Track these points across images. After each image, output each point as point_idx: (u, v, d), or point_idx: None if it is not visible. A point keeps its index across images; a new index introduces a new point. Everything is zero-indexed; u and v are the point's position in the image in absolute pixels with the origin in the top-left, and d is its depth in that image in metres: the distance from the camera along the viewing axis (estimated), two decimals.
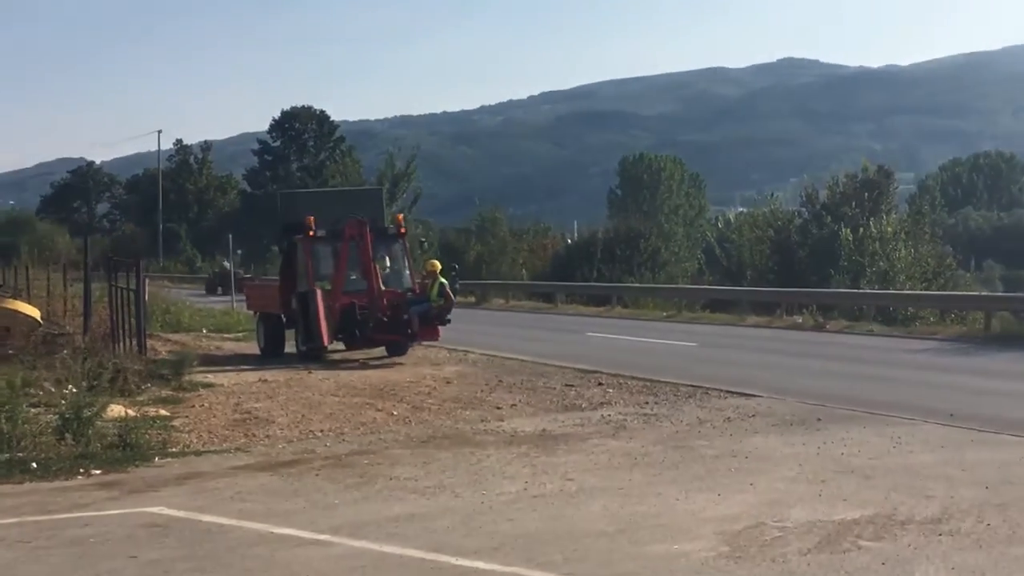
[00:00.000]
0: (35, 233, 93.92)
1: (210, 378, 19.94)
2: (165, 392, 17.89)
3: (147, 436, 13.12)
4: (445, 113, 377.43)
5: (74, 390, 17.23)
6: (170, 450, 12.83)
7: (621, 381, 19.03)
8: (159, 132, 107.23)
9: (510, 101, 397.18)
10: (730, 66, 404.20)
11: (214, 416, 15.49)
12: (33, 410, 14.24)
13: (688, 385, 18.24)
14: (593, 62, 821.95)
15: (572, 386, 18.56)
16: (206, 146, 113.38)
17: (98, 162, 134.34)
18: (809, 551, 8.36)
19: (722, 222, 69.97)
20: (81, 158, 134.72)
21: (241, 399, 17.25)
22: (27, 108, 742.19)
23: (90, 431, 12.81)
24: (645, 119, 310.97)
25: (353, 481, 11.09)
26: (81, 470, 11.54)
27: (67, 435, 12.44)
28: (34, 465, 11.52)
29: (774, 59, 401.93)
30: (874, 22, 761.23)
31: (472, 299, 47.28)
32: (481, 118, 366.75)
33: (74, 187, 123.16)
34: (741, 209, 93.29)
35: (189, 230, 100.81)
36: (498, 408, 16.16)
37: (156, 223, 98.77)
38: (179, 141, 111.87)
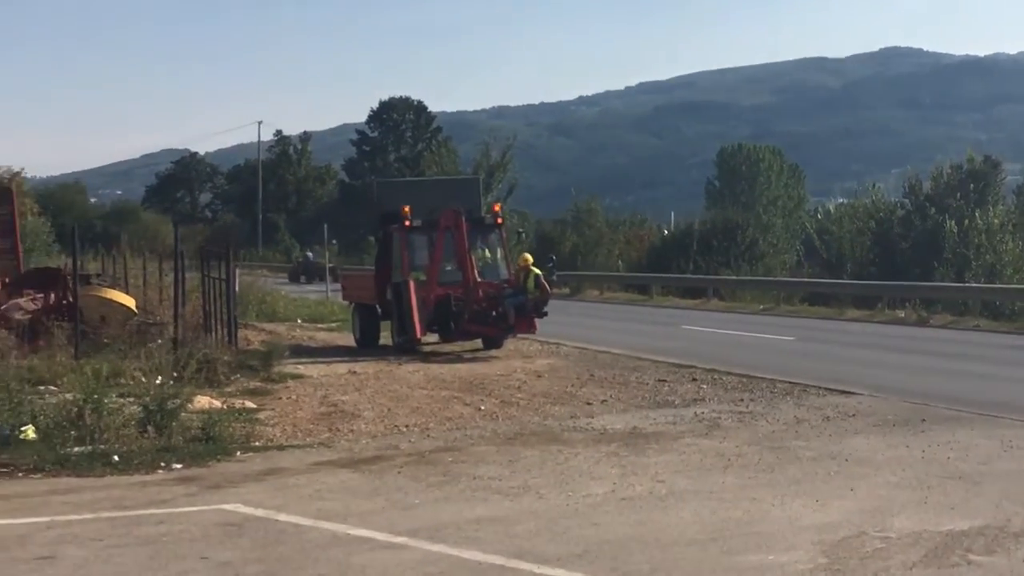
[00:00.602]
0: (139, 223, 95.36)
1: (300, 369, 19.77)
2: (253, 383, 17.72)
3: (231, 429, 12.89)
4: (543, 104, 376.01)
5: (162, 380, 17.24)
6: (253, 444, 12.59)
7: (716, 377, 18.52)
8: (259, 123, 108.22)
9: (608, 92, 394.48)
10: (830, 55, 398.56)
11: (300, 409, 15.26)
12: (121, 400, 14.09)
13: (785, 382, 17.69)
14: (691, 52, 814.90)
15: (665, 381, 18.09)
16: (305, 137, 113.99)
17: (201, 153, 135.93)
18: (914, 565, 7.81)
19: (822, 213, 68.59)
20: (185, 149, 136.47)
21: (329, 391, 17.03)
22: (134, 99, 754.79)
23: (174, 423, 12.63)
24: (743, 109, 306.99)
25: (435, 480, 10.73)
26: (162, 464, 11.34)
27: (149, 427, 12.25)
28: (116, 458, 11.34)
29: (875, 48, 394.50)
30: (980, 9, 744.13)
31: (567, 291, 46.85)
32: (578, 109, 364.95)
33: (177, 177, 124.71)
34: (840, 200, 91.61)
35: (288, 220, 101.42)
36: (588, 404, 15.73)
37: (256, 213, 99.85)
38: (279, 132, 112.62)
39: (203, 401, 15.34)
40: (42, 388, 16.28)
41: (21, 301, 24.16)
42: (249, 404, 15.49)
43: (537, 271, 23.01)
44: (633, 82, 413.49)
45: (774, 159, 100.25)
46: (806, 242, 64.30)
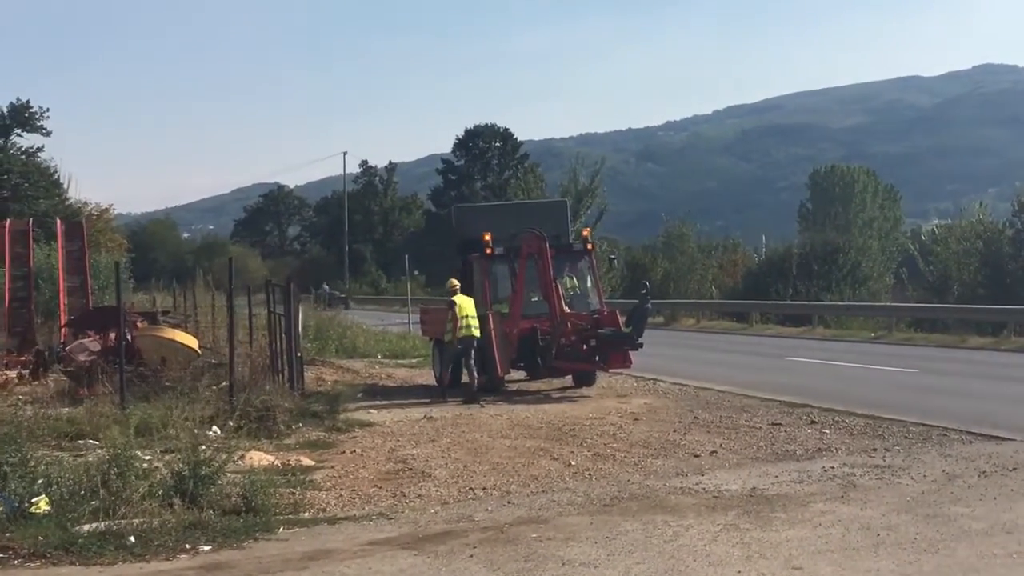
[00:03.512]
0: (227, 256, 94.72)
1: (371, 415, 17.95)
2: (316, 433, 15.86)
3: (277, 496, 10.92)
4: (630, 130, 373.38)
5: (218, 432, 15.42)
6: (301, 516, 10.58)
7: (837, 418, 16.30)
8: (344, 154, 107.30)
9: (695, 116, 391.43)
10: (922, 74, 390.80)
11: (363, 467, 13.27)
12: (167, 457, 12.22)
13: (919, 424, 15.42)
14: (779, 75, 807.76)
15: (780, 425, 15.89)
16: (391, 167, 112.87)
17: (291, 186, 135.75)
18: None
19: (925, 234, 65.64)
20: (275, 183, 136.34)
21: (399, 443, 15.05)
22: (228, 135, 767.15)
23: (212, 490, 10.69)
24: (833, 131, 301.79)
25: (516, 566, 8.61)
26: (187, 545, 9.34)
27: (176, 499, 10.29)
28: (131, 540, 9.36)
29: (969, 66, 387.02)
30: None
31: (661, 319, 44.47)
32: (666, 134, 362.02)
33: (266, 211, 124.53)
34: (936, 221, 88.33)
35: (374, 250, 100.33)
36: (695, 456, 13.53)
37: (342, 244, 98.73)
38: (364, 163, 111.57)
39: (256, 457, 13.52)
40: (81, 442, 14.58)
41: (87, 341, 22.71)
42: (306, 460, 13.56)
43: (463, 300, 20.54)
44: (721, 106, 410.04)
45: (868, 180, 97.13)
46: (908, 263, 61.42)
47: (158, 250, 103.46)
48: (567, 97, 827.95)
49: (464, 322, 20.39)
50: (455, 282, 21.46)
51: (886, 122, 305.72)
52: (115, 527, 9.63)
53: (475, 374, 20.12)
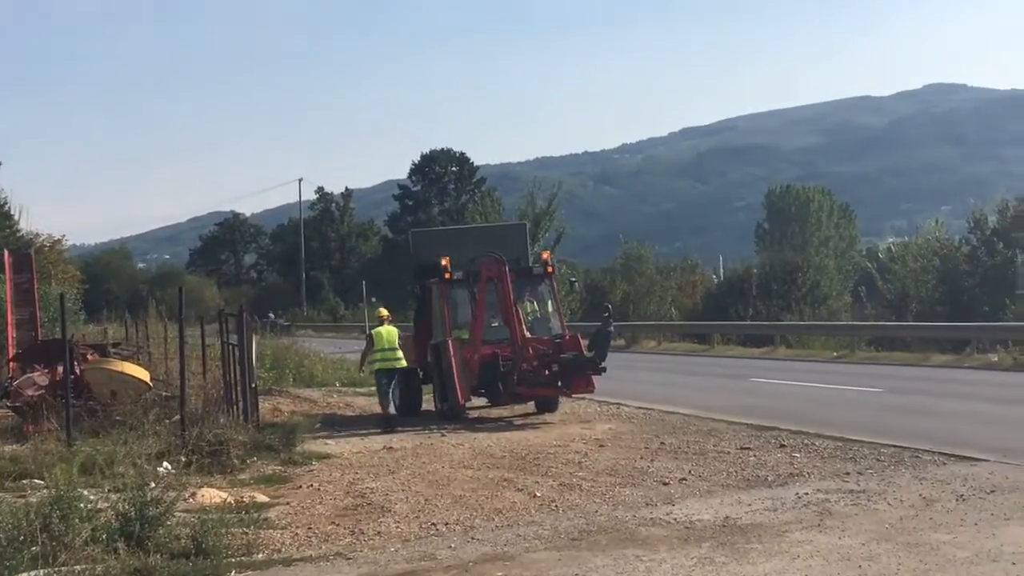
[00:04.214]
0: (183, 286, 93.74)
1: (328, 446, 17.42)
2: (272, 467, 15.30)
3: (229, 537, 10.35)
4: (586, 153, 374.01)
5: (168, 468, 14.85)
6: (255, 557, 10.01)
7: (807, 441, 15.97)
8: (300, 180, 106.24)
9: (651, 139, 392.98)
10: (874, 94, 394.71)
11: (320, 502, 12.71)
12: (114, 496, 11.61)
13: (891, 445, 15.12)
14: (732, 96, 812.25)
15: (749, 449, 15.52)
16: (347, 193, 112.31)
17: (247, 213, 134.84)
18: None
19: (882, 252, 65.78)
20: (230, 211, 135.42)
21: (358, 475, 14.52)
22: (181, 162, 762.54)
23: (159, 531, 10.12)
24: (788, 152, 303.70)
25: None
26: None
27: (119, 543, 9.71)
28: None
29: (919, 85, 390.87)
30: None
31: (622, 342, 44.03)
32: (622, 157, 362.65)
33: (221, 239, 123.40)
34: (892, 239, 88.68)
35: (332, 277, 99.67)
36: (664, 484, 13.08)
37: (299, 272, 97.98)
38: (320, 189, 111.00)
39: (208, 494, 12.97)
40: (26, 482, 13.94)
41: (35, 376, 22.02)
42: (260, 497, 13.00)
43: (384, 332, 20.88)
44: (676, 128, 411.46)
45: (823, 200, 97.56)
46: (866, 281, 61.53)
47: (112, 281, 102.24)
48: (523, 121, 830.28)
49: (381, 355, 20.72)
50: (383, 312, 21.85)
51: (839, 142, 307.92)
52: (56, 574, 9.06)
53: (394, 404, 20.81)
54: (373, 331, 21.18)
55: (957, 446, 14.70)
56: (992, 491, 11.74)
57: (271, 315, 71.36)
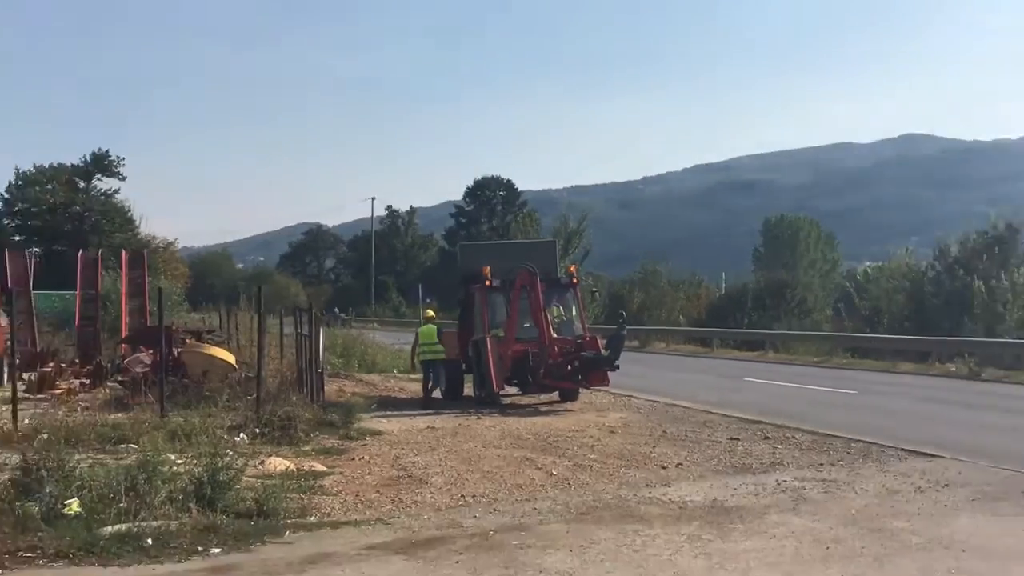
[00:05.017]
0: (272, 284, 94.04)
1: (381, 424, 17.13)
2: (332, 441, 15.06)
3: (288, 501, 10.12)
4: (613, 183, 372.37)
5: (244, 439, 14.66)
6: (308, 520, 9.78)
7: (788, 434, 15.51)
8: (372, 199, 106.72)
9: (669, 172, 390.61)
10: (856, 141, 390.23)
11: (369, 472, 12.47)
12: (184, 466, 11.39)
13: (860, 441, 14.65)
14: (739, 138, 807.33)
15: (737, 440, 15.10)
16: (411, 211, 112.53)
17: (329, 225, 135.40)
18: None
19: (860, 274, 64.86)
20: (316, 222, 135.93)
21: (403, 451, 14.25)
22: (277, 180, 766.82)
23: (228, 494, 9.90)
24: (783, 187, 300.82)
25: (496, 574, 7.85)
26: (200, 548, 8.56)
27: (192, 504, 9.49)
28: (149, 542, 8.58)
29: (896, 135, 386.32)
30: (987, 99, 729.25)
31: (636, 343, 43.55)
32: (644, 187, 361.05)
33: (307, 246, 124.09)
34: (868, 263, 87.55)
35: (396, 281, 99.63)
36: (663, 468, 12.73)
37: (369, 276, 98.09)
38: (389, 207, 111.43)
39: (275, 462, 12.73)
40: (123, 447, 13.80)
41: (142, 355, 22.00)
42: (318, 466, 12.75)
43: (424, 330, 21.86)
44: (690, 164, 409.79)
45: (812, 228, 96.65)
46: (845, 298, 60.65)
47: (215, 277, 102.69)
48: (561, 154, 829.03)
49: (420, 349, 21.73)
50: (429, 312, 22.81)
51: (827, 181, 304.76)
52: (136, 529, 8.84)
53: (431, 388, 21.53)
54: (419, 330, 21.93)
55: (918, 443, 14.23)
56: (947, 485, 11.32)
57: (336, 311, 71.52)
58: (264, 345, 17.61)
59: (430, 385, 21.64)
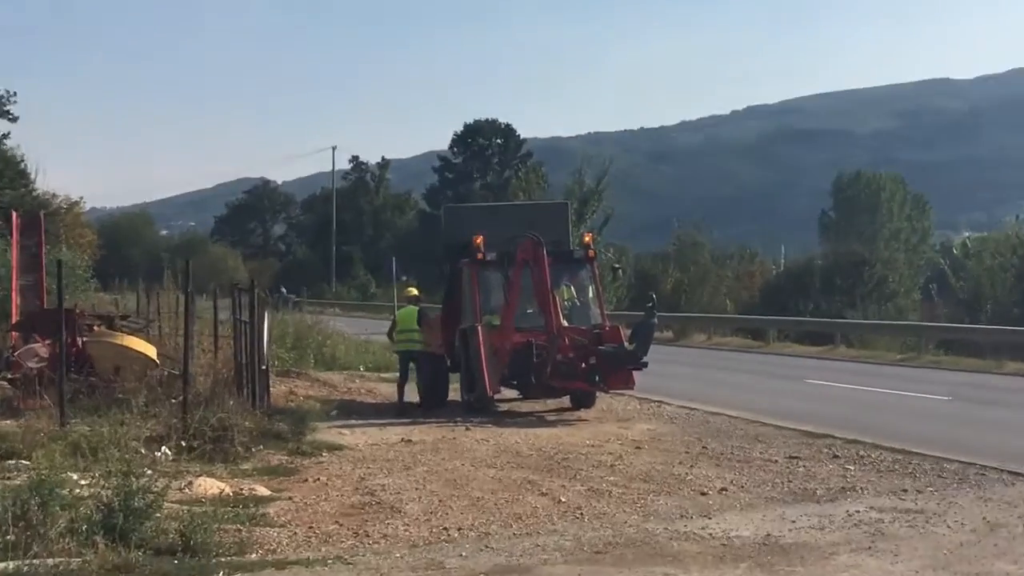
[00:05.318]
0: (206, 256, 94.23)
1: (343, 436, 17.24)
2: (278, 458, 15.13)
3: (222, 534, 10.13)
4: (642, 130, 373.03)
5: (167, 454, 14.69)
6: (247, 558, 9.77)
7: (862, 452, 15.64)
8: (333, 148, 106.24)
9: (712, 116, 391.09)
10: (953, 77, 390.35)
11: (325, 499, 12.48)
12: (103, 483, 11.37)
13: (955, 461, 14.75)
14: (800, 75, 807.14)
15: (798, 458, 15.19)
16: (383, 163, 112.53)
17: (277, 181, 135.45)
18: None
19: (956, 247, 65.01)
20: (260, 178, 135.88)
21: (370, 470, 14.31)
22: (210, 125, 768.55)
23: (146, 525, 9.89)
24: (858, 136, 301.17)
25: None
26: None
27: (98, 537, 9.47)
28: None
29: (1002, 69, 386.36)
30: None
31: (669, 334, 43.69)
32: (680, 135, 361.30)
33: (250, 207, 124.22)
34: (968, 234, 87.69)
35: (364, 253, 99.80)
36: (702, 494, 12.75)
37: (329, 246, 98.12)
38: (355, 158, 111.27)
39: (206, 484, 12.76)
40: (12, 463, 13.78)
41: (37, 347, 21.94)
42: (261, 490, 12.79)
43: (402, 313, 22.36)
44: (739, 106, 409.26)
45: (896, 188, 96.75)
46: (938, 278, 60.84)
47: (131, 248, 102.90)
48: (575, 93, 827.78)
49: (396, 336, 22.21)
50: (412, 290, 23.23)
51: (914, 127, 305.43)
52: (26, 569, 8.83)
53: (403, 390, 21.56)
54: (397, 312, 22.47)
55: None
56: None
57: (283, 290, 71.52)
58: (193, 334, 17.57)
59: (406, 384, 21.78)
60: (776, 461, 15.00)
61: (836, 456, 15.31)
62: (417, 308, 22.19)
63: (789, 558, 9.78)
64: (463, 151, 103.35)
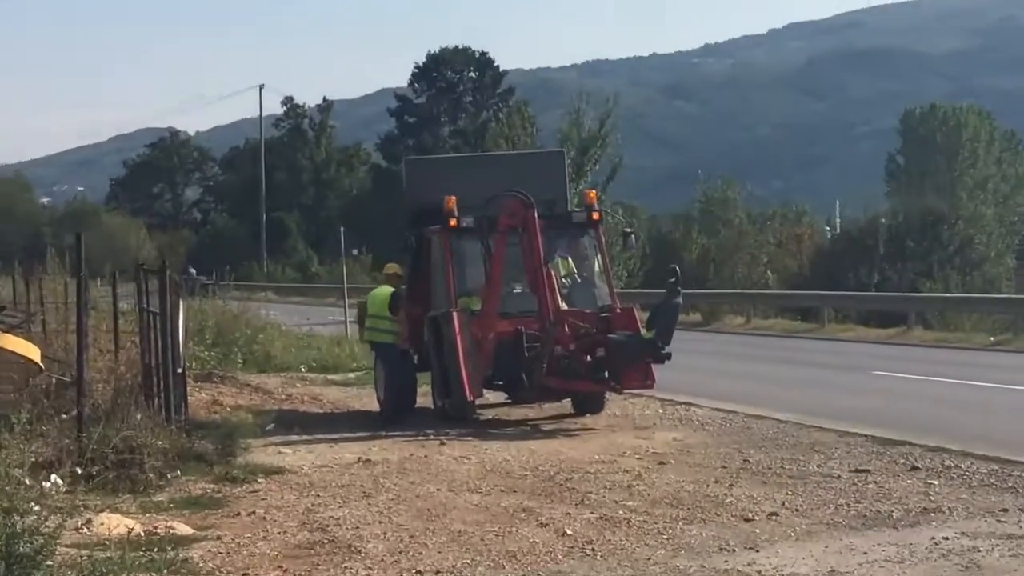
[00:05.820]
0: (101, 229, 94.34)
1: (283, 456, 17.33)
2: (201, 486, 15.16)
3: None
4: (655, 56, 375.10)
5: (59, 483, 14.67)
6: None
7: (948, 462, 15.80)
8: (260, 87, 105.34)
9: (744, 38, 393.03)
10: None
11: (264, 537, 12.51)
12: None
13: None
14: None
15: (867, 472, 15.37)
16: (325, 106, 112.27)
17: (190, 132, 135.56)
18: None
19: None
20: (167, 127, 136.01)
21: (319, 499, 14.37)
22: (99, 62, 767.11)
23: (35, 575, 9.92)
24: (931, 59, 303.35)
25: None
26: None
27: None
28: None
29: None
30: None
31: (697, 317, 43.91)
32: (704, 62, 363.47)
33: (155, 166, 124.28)
34: None
35: (303, 221, 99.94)
36: (747, 520, 12.83)
37: (259, 213, 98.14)
38: (289, 100, 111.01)
39: (109, 522, 12.76)
40: None
41: None
42: (182, 528, 12.82)
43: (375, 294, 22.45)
44: (779, 24, 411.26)
45: (981, 125, 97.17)
46: None
47: (4, 221, 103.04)
48: (568, 10, 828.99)
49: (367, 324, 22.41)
50: (392, 268, 23.22)
51: (1000, 47, 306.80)
52: None
53: (382, 393, 22.00)
54: (369, 294, 22.78)
55: None
56: None
57: (191, 271, 71.52)
58: (87, 330, 17.56)
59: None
60: (839, 477, 15.12)
61: (915, 468, 15.45)
62: (392, 290, 22.05)
63: None
64: (426, 88, 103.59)
